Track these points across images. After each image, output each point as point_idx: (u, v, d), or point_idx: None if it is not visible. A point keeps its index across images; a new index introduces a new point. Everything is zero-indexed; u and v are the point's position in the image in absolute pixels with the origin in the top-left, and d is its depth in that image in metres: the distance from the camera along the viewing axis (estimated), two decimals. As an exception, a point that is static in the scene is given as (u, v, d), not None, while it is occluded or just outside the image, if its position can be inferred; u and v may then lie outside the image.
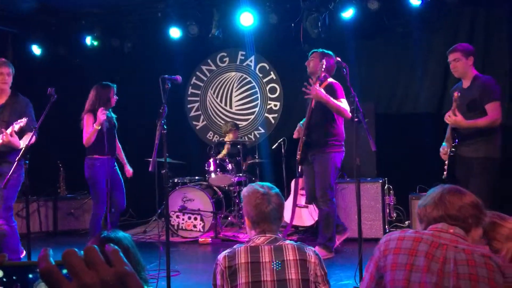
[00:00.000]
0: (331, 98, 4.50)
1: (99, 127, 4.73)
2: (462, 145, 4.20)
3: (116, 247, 0.66)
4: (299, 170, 5.02)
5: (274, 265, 2.09)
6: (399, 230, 1.86)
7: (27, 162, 3.98)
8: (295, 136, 5.00)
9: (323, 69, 4.51)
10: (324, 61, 4.52)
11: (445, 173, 4.30)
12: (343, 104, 4.55)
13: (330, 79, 4.76)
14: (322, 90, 4.50)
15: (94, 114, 4.78)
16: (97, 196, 4.87)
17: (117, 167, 5.10)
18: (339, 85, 4.69)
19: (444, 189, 1.85)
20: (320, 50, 4.80)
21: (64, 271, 0.63)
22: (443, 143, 4.41)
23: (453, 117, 4.04)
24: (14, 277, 0.70)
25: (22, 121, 4.06)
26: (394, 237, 1.81)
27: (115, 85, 5.00)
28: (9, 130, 4.01)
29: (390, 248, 1.78)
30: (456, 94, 4.02)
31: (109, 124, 4.91)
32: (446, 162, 4.30)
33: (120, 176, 5.11)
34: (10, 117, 4.23)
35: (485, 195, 4.05)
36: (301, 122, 4.97)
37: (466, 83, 4.25)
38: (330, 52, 4.76)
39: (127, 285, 0.63)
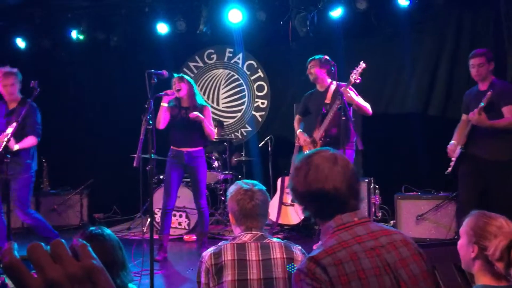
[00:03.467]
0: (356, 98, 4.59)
1: None
2: (475, 144, 4.32)
3: (84, 242, 0.64)
4: None
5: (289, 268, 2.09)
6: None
7: (8, 156, 3.94)
8: (299, 143, 5.03)
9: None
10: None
11: (449, 168, 4.46)
12: (364, 102, 4.67)
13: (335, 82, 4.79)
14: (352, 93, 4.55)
15: None
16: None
17: None
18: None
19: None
20: (318, 57, 4.81)
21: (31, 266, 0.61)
22: (451, 141, 4.54)
23: (477, 115, 4.11)
24: None
25: (12, 126, 4.23)
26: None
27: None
28: (8, 131, 4.23)
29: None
30: (489, 93, 4.08)
31: None
32: (453, 159, 4.45)
33: None
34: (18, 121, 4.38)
35: (506, 198, 4.24)
36: (300, 130, 5.07)
37: (483, 87, 4.37)
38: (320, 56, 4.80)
39: (95, 280, 0.60)
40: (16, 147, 4.34)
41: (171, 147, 4.98)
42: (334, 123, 4.60)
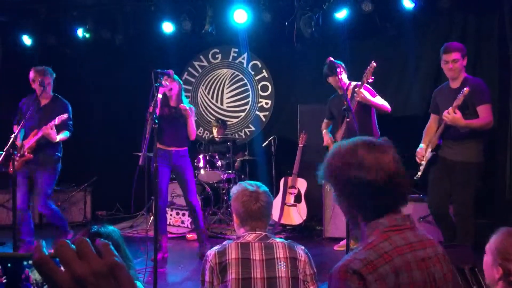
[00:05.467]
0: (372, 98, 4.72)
1: None
2: (446, 146, 4.18)
3: (106, 241, 0.69)
4: None
5: (281, 266, 2.10)
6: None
7: (16, 152, 4.00)
8: (325, 143, 5.15)
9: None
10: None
11: (419, 173, 4.29)
12: (382, 100, 4.80)
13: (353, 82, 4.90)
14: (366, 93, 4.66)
15: None
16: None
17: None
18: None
19: None
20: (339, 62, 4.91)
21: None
22: (420, 145, 4.38)
23: (452, 114, 3.94)
24: (9, 265, 0.76)
25: (63, 116, 4.66)
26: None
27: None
28: (51, 124, 4.58)
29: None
30: (466, 89, 3.87)
31: None
32: (423, 163, 4.28)
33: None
34: (49, 117, 4.70)
35: (470, 200, 4.11)
36: (325, 130, 5.24)
37: (455, 84, 4.18)
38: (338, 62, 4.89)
39: (117, 276, 0.65)
40: (58, 138, 4.73)
41: (158, 145, 4.74)
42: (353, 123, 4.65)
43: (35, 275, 0.79)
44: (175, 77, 4.81)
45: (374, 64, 4.43)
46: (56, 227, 4.95)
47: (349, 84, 4.91)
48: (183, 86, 5.03)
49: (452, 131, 4.08)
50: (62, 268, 0.65)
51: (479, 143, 4.12)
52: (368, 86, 4.74)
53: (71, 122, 4.96)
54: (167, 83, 4.71)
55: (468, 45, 6.02)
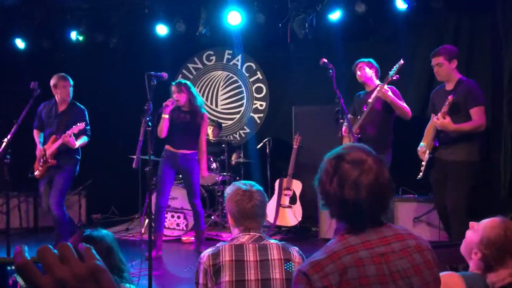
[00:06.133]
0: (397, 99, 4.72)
1: None
2: (442, 148, 4.25)
3: (88, 245, 0.70)
4: None
5: (287, 266, 2.10)
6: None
7: (8, 156, 3.97)
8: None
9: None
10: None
11: (421, 173, 4.35)
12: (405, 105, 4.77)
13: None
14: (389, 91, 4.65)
15: None
16: None
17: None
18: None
19: None
20: (366, 60, 4.99)
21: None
22: (421, 143, 4.48)
23: (441, 120, 4.04)
24: None
25: (81, 125, 4.85)
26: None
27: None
28: (69, 132, 4.76)
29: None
30: (450, 97, 4.00)
31: None
32: (424, 162, 4.35)
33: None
34: (67, 122, 4.94)
35: (463, 199, 4.14)
36: (345, 123, 5.15)
37: (449, 86, 4.28)
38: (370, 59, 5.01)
39: (99, 280, 0.66)
40: (77, 143, 4.91)
41: (166, 147, 5.07)
42: (370, 121, 4.65)
43: (22, 281, 0.79)
44: (182, 82, 5.01)
45: (402, 61, 4.46)
46: (57, 233, 4.94)
47: (378, 84, 4.89)
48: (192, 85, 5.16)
49: (443, 135, 4.18)
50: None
51: (472, 144, 4.18)
52: (395, 88, 4.77)
53: (88, 127, 5.10)
54: (174, 96, 4.88)
55: (462, 44, 6.07)
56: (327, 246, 1.52)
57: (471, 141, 4.17)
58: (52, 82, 5.05)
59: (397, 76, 4.48)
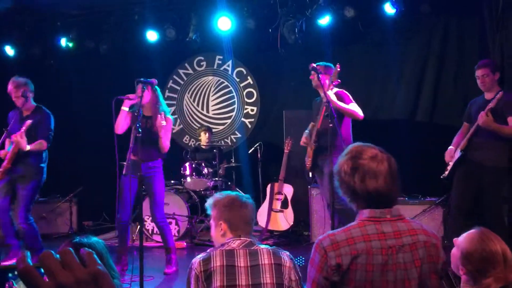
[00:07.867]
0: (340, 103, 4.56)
1: None
2: (474, 148, 4.39)
3: (90, 250, 0.70)
4: (310, 177, 4.98)
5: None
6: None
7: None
8: (302, 143, 4.98)
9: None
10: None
11: (446, 172, 4.54)
12: (353, 106, 4.62)
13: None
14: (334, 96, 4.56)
15: None
16: None
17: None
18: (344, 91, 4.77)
19: None
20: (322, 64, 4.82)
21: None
22: (450, 146, 4.62)
23: (485, 117, 4.19)
24: None
25: (27, 122, 4.57)
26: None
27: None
28: (19, 133, 4.53)
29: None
30: (501, 93, 4.19)
31: None
32: (450, 163, 4.52)
33: None
34: (32, 127, 4.66)
35: (499, 203, 4.36)
36: (307, 131, 4.98)
37: (489, 96, 4.44)
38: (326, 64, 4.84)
39: (100, 285, 0.67)
40: (27, 147, 4.59)
41: (131, 156, 4.33)
42: (323, 128, 4.63)
43: (19, 287, 0.79)
44: (149, 81, 4.44)
45: (339, 69, 4.47)
46: (27, 246, 4.69)
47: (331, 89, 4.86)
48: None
49: (482, 135, 4.33)
50: (46, 278, 0.66)
51: (505, 147, 4.34)
52: (346, 92, 4.74)
53: (51, 133, 4.88)
54: (137, 92, 4.38)
55: (450, 48, 6.15)
56: (348, 228, 1.77)
57: (504, 144, 4.32)
58: (8, 88, 4.82)
59: (338, 81, 4.50)
